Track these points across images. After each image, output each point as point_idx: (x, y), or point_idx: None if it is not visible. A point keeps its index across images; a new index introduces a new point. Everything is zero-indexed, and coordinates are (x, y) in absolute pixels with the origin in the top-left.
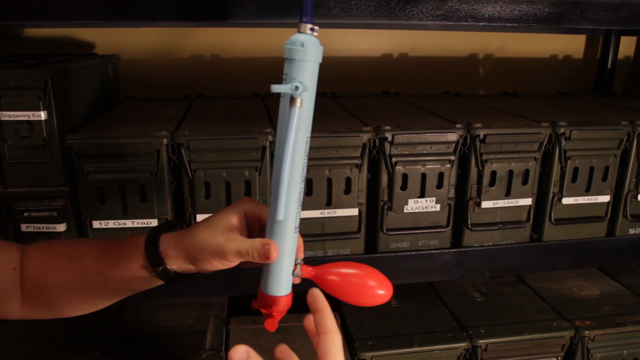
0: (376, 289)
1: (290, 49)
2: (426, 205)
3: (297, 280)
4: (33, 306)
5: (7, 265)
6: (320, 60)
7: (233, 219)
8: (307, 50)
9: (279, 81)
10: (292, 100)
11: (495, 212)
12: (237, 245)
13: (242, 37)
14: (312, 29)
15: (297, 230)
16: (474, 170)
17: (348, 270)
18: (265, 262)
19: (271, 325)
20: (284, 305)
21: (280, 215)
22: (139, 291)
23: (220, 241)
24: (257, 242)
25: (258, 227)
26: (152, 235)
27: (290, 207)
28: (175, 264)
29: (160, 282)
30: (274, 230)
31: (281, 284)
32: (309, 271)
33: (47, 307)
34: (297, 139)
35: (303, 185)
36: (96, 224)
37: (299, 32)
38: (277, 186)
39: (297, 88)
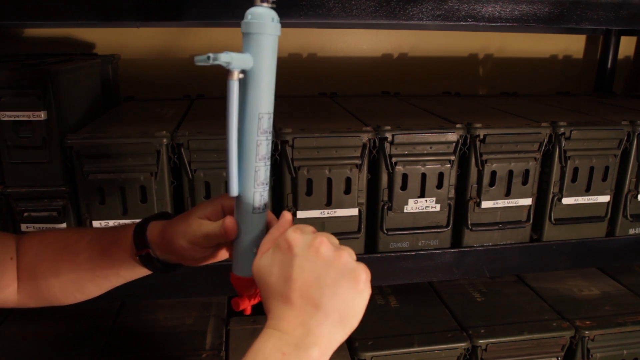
0: None
1: (242, 23)
2: (426, 205)
3: None
4: (29, 295)
5: (4, 256)
6: (274, 32)
7: (208, 209)
8: (255, 22)
9: (279, 81)
10: (228, 73)
11: (495, 212)
12: (204, 228)
13: (241, 37)
14: (265, 1)
15: (261, 211)
16: (474, 170)
17: None
18: (226, 238)
19: (236, 305)
20: (247, 286)
21: (232, 192)
22: (127, 280)
23: (192, 227)
24: (220, 220)
25: None
26: (142, 222)
27: (244, 185)
28: (159, 251)
29: (146, 272)
30: (235, 210)
31: (240, 264)
32: None
33: (41, 295)
34: (246, 115)
35: (263, 165)
36: (96, 224)
37: (253, 5)
38: (226, 161)
39: (208, 58)
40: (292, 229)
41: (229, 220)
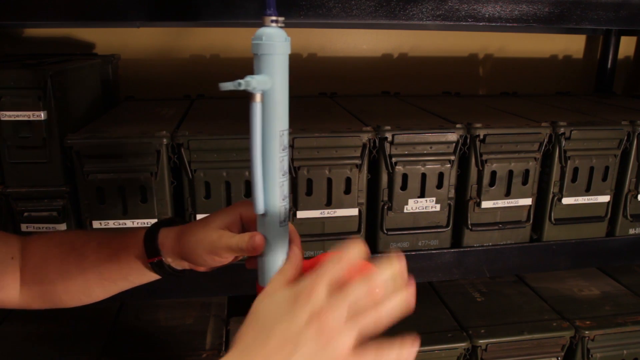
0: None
1: (253, 44)
2: (426, 205)
3: None
4: (32, 296)
5: (5, 255)
6: (285, 52)
7: (227, 218)
8: (267, 44)
9: None
10: (251, 96)
11: (495, 212)
12: (227, 241)
13: (242, 37)
14: (275, 21)
15: (286, 224)
16: (474, 170)
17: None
18: (253, 253)
19: None
20: None
21: (259, 209)
22: (135, 285)
23: (212, 238)
24: (245, 234)
25: (253, 228)
26: (153, 228)
27: (270, 201)
28: (171, 257)
29: (155, 277)
30: (259, 225)
31: (271, 277)
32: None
33: (45, 296)
34: (268, 134)
35: (286, 179)
36: (96, 224)
37: (264, 25)
38: (252, 181)
39: (239, 84)
40: (308, 289)
41: (259, 238)
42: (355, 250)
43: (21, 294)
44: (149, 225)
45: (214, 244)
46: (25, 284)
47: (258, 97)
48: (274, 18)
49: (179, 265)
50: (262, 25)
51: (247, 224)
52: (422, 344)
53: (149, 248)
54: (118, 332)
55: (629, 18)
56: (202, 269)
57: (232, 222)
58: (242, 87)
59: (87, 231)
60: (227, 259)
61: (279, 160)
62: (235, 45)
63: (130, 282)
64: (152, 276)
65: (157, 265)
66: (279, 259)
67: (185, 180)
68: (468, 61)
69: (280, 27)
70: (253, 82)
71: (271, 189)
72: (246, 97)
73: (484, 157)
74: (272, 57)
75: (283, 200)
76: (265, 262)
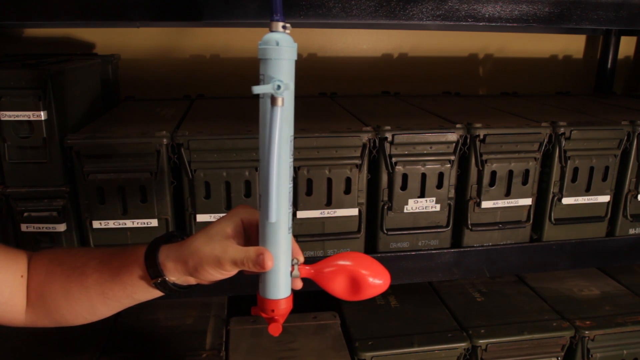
0: (373, 280)
1: (265, 49)
2: (426, 205)
3: (299, 285)
4: (37, 314)
5: (15, 273)
6: (295, 57)
7: (229, 227)
8: (282, 48)
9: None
10: (274, 99)
11: (495, 212)
12: (232, 255)
13: (242, 37)
14: (284, 27)
15: (291, 230)
16: (474, 170)
17: (344, 262)
18: (260, 271)
19: (275, 329)
20: (285, 307)
21: (273, 217)
22: (139, 302)
23: (217, 251)
24: (252, 251)
25: (255, 233)
26: (152, 247)
27: (281, 208)
28: (174, 276)
29: (160, 293)
30: (266, 233)
31: (280, 286)
32: (306, 270)
33: (50, 315)
34: (282, 139)
35: (291, 185)
36: (96, 224)
37: (272, 31)
38: (267, 188)
39: (278, 87)
40: None
41: (268, 256)
42: None
43: (27, 313)
44: (148, 225)
45: (218, 257)
46: (31, 303)
47: (280, 101)
48: (283, 24)
49: (184, 281)
50: (264, 27)
51: (248, 229)
52: (422, 344)
53: (151, 268)
54: (118, 332)
55: (629, 18)
56: (207, 283)
57: (235, 230)
58: (281, 90)
59: (89, 249)
60: (232, 272)
61: (289, 166)
62: (235, 45)
63: (136, 300)
64: (158, 293)
65: (161, 285)
66: (284, 269)
67: (185, 180)
68: (468, 61)
69: (288, 32)
70: (283, 86)
71: (282, 196)
72: (245, 98)
73: (484, 157)
74: (286, 62)
75: (290, 206)
76: (270, 272)
